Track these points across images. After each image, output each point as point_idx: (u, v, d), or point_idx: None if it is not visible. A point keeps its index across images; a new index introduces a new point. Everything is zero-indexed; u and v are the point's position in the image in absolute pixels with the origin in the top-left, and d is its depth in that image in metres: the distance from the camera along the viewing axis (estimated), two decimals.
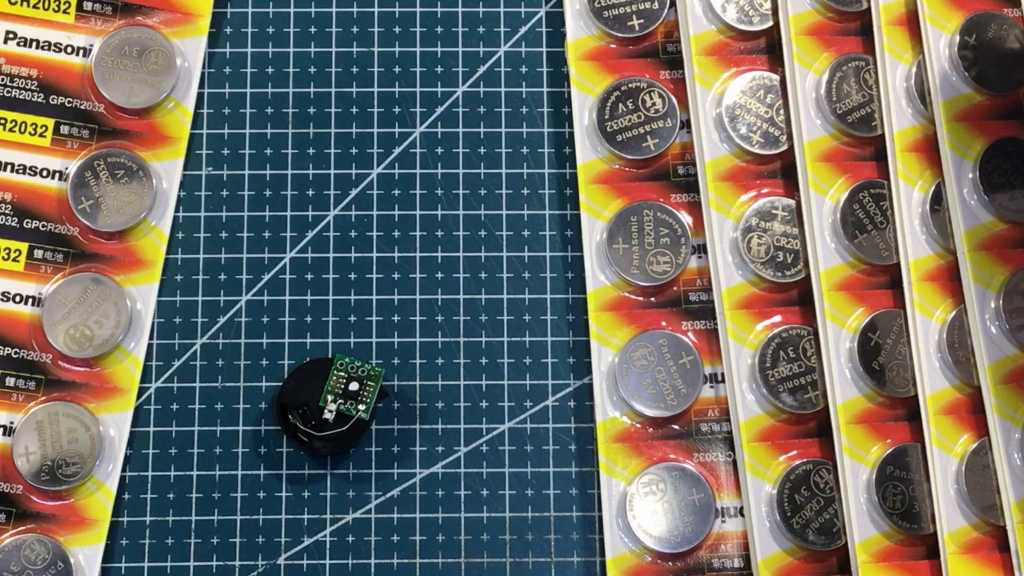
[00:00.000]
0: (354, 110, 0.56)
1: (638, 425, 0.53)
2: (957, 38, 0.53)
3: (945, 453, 0.51)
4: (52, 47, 0.55)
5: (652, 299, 0.54)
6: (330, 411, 0.52)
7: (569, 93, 0.56)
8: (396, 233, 0.55)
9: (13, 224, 0.54)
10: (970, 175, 0.52)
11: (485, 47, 0.56)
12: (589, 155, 0.55)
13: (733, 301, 0.53)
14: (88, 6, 0.55)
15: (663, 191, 0.55)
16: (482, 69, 0.56)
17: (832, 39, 0.54)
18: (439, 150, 0.56)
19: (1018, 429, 0.51)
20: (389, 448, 0.54)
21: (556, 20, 0.56)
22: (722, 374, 0.53)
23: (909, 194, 0.53)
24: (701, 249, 0.54)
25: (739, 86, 0.54)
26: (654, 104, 0.55)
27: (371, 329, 0.54)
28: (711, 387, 0.53)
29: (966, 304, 0.52)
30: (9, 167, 0.54)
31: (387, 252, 0.55)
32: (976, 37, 0.53)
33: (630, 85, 0.55)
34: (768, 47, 0.55)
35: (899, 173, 0.53)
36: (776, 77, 0.55)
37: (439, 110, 0.56)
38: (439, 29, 0.56)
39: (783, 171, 0.54)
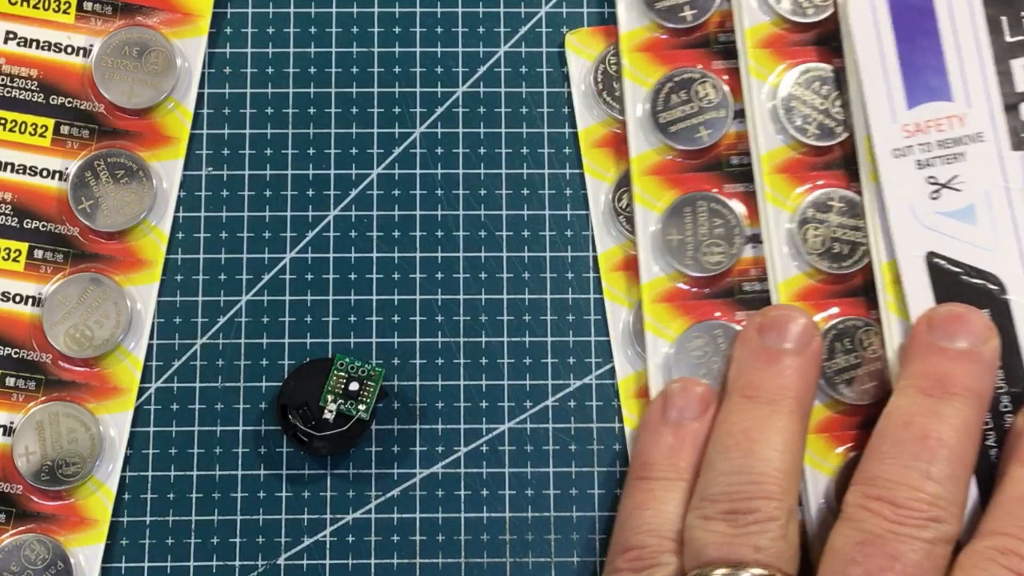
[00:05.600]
0: (354, 110, 0.56)
1: None
2: None
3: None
4: (52, 47, 0.55)
5: (706, 290, 0.54)
6: (330, 411, 0.52)
7: (569, 93, 0.56)
8: (396, 233, 0.55)
9: (13, 224, 0.54)
10: None
11: (485, 47, 0.56)
12: (643, 146, 0.55)
13: (789, 293, 0.53)
14: (88, 6, 0.55)
15: (716, 181, 0.55)
16: (482, 69, 0.56)
17: None
18: (439, 150, 0.56)
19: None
20: (389, 448, 0.54)
21: (556, 20, 0.56)
22: None
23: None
24: (755, 239, 0.54)
25: (794, 78, 0.54)
26: (707, 94, 0.55)
27: (371, 329, 0.54)
28: None
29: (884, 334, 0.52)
30: (9, 167, 0.54)
31: (387, 252, 0.55)
32: None
33: (683, 76, 0.55)
34: (823, 38, 0.55)
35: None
36: (831, 68, 0.55)
37: (439, 110, 0.56)
38: (439, 29, 0.56)
39: (839, 162, 0.54)
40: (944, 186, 0.52)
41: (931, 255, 0.51)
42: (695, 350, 0.53)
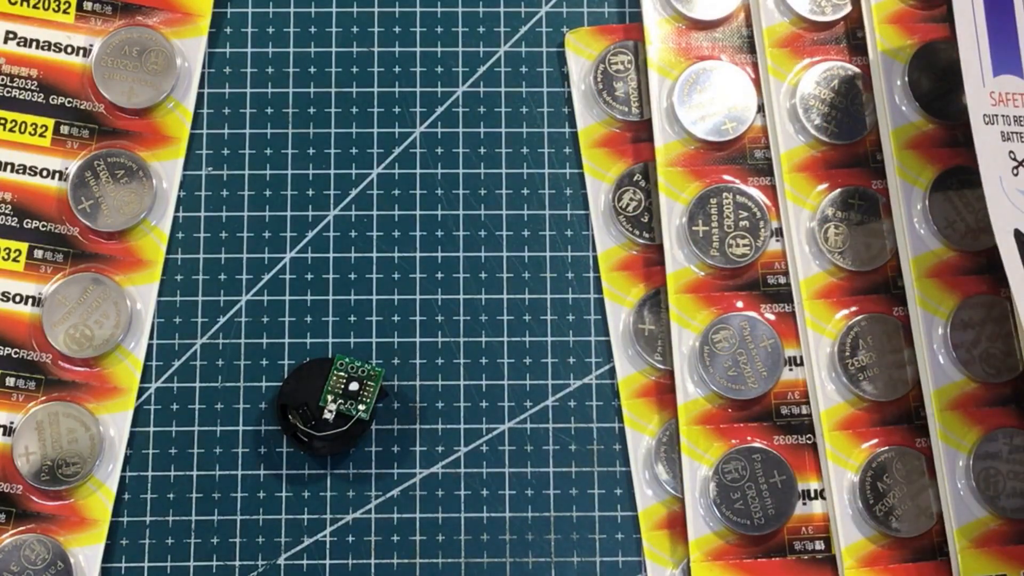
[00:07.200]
0: (354, 110, 0.56)
1: (719, 407, 0.53)
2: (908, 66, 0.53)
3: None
4: (52, 47, 0.55)
5: (730, 281, 0.54)
6: (330, 411, 0.52)
7: (569, 93, 0.56)
8: (396, 233, 0.55)
9: (13, 224, 0.54)
10: (919, 206, 0.53)
11: (485, 47, 0.56)
12: (669, 136, 0.55)
13: (811, 291, 0.53)
14: (88, 6, 0.55)
15: (741, 174, 0.55)
16: (482, 69, 0.56)
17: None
18: (439, 150, 0.56)
19: (963, 456, 0.51)
20: (389, 448, 0.54)
21: (556, 20, 0.56)
22: (802, 358, 0.53)
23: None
24: (780, 232, 0.54)
25: (813, 77, 0.55)
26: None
27: (371, 329, 0.54)
28: (790, 370, 0.53)
29: (913, 331, 0.52)
30: (9, 167, 0.54)
31: (387, 252, 0.55)
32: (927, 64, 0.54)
33: (706, 68, 0.55)
34: (841, 37, 0.55)
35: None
36: (850, 67, 0.55)
37: (439, 110, 0.56)
38: (439, 29, 0.56)
39: (859, 160, 0.54)
40: (1021, 164, 0.50)
41: (1018, 233, 0.50)
42: (721, 341, 0.53)
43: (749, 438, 0.53)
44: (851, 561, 0.52)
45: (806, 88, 0.54)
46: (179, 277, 0.54)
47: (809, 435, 0.53)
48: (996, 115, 0.50)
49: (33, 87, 0.54)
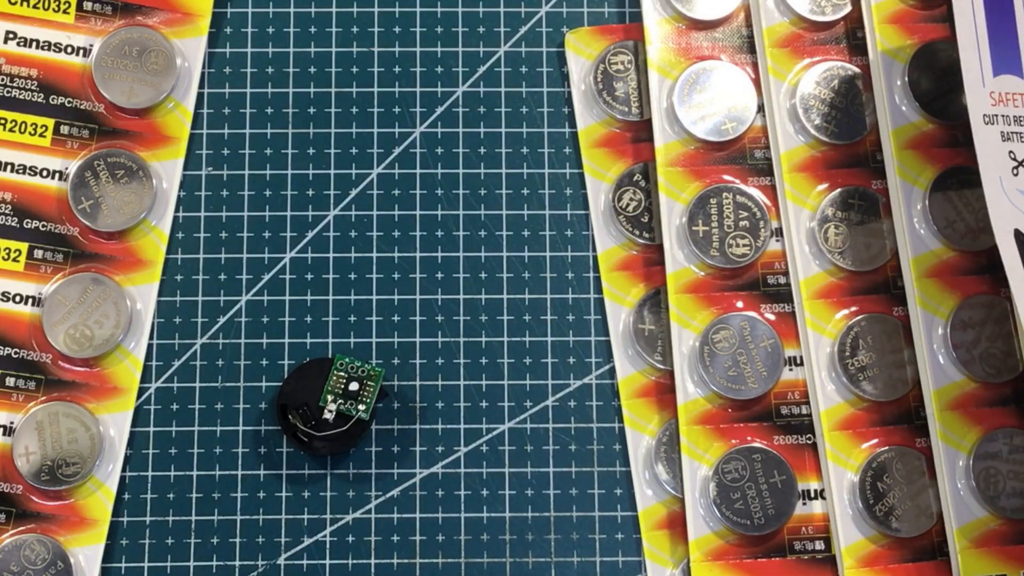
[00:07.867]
0: (354, 110, 0.56)
1: (719, 407, 0.53)
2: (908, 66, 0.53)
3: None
4: (52, 47, 0.55)
5: (730, 281, 0.54)
6: (330, 411, 0.52)
7: (569, 93, 0.56)
8: (396, 233, 0.55)
9: (13, 224, 0.54)
10: (918, 206, 0.53)
11: (485, 47, 0.56)
12: (669, 136, 0.55)
13: (811, 291, 0.53)
14: (88, 6, 0.55)
15: (741, 174, 0.55)
16: (482, 69, 0.56)
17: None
18: (439, 150, 0.56)
19: (963, 456, 0.51)
20: (389, 448, 0.54)
21: (556, 20, 0.56)
22: (802, 358, 0.53)
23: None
24: (780, 232, 0.54)
25: (813, 77, 0.55)
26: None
27: (371, 329, 0.54)
28: (790, 370, 0.53)
29: (913, 331, 0.52)
30: (9, 167, 0.54)
31: (387, 252, 0.55)
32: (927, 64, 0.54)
33: (706, 68, 0.55)
34: (841, 37, 0.55)
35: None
36: (850, 67, 0.55)
37: (439, 110, 0.56)
38: (439, 29, 0.56)
39: (859, 160, 0.54)
40: (1021, 164, 0.50)
41: (1018, 233, 0.49)
42: (721, 341, 0.53)
43: (749, 438, 0.53)
44: (851, 561, 0.52)
45: (806, 88, 0.54)
46: (179, 277, 0.54)
47: (809, 435, 0.53)
48: (996, 115, 0.50)
49: (33, 87, 0.54)
